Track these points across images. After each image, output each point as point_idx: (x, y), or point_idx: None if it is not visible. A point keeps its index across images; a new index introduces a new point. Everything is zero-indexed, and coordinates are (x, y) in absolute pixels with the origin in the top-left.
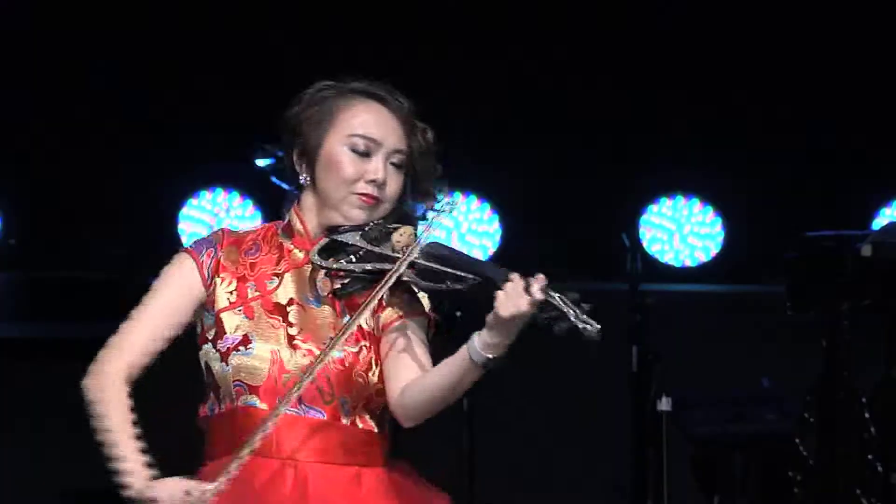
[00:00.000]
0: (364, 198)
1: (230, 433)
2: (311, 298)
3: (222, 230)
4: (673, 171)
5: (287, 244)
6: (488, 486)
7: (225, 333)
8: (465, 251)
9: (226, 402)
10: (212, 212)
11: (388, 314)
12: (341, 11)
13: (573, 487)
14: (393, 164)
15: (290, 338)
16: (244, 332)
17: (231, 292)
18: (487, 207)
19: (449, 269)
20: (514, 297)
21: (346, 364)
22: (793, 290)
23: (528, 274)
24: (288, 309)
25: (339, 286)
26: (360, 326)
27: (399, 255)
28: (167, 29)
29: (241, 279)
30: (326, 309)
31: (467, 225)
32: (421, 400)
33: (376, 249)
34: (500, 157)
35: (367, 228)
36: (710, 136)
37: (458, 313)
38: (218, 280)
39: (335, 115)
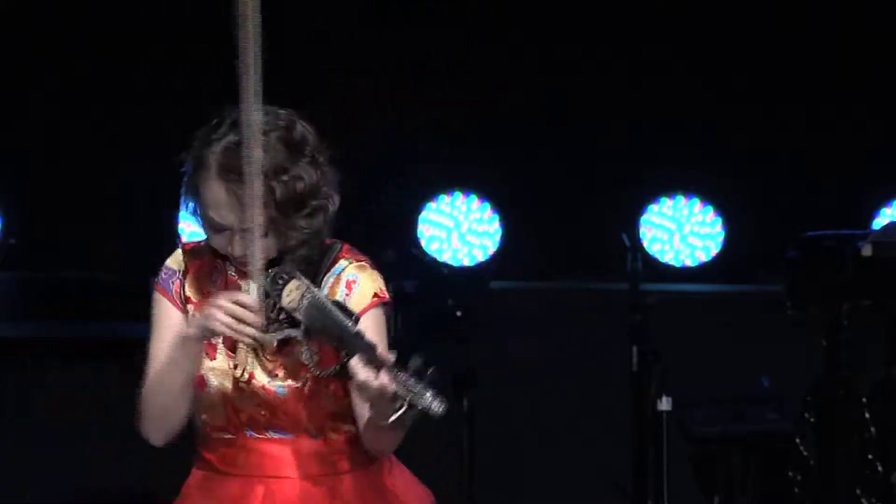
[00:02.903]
0: (241, 260)
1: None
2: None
3: (184, 249)
4: (673, 170)
5: (230, 272)
6: (488, 486)
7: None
8: (338, 315)
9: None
10: None
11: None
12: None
13: (574, 487)
14: (246, 230)
15: (236, 381)
16: (202, 373)
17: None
18: (487, 207)
19: (332, 333)
20: (368, 387)
21: (295, 398)
22: (793, 290)
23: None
24: (237, 346)
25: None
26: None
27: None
28: (174, 27)
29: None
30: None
31: (467, 225)
32: (367, 437)
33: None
34: (499, 156)
35: (276, 278)
36: (710, 135)
37: (458, 313)
38: (189, 309)
39: (195, 192)
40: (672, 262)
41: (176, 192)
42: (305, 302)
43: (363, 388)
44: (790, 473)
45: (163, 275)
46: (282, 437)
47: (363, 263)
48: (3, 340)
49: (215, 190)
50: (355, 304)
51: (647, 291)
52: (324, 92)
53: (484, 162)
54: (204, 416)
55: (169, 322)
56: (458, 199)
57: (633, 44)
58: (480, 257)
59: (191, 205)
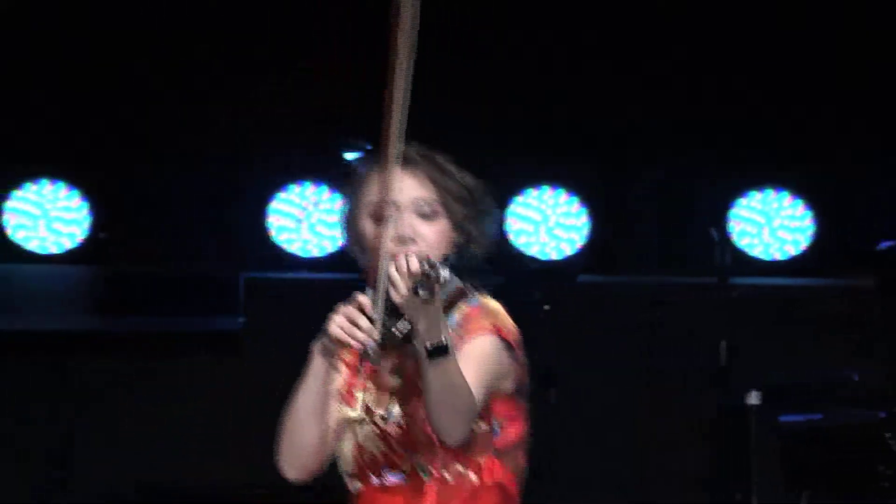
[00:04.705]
0: (398, 257)
1: None
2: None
3: None
4: (762, 163)
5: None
6: (572, 480)
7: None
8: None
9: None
10: (300, 205)
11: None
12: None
13: (662, 481)
14: (421, 214)
15: (364, 419)
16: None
17: (344, 383)
18: (575, 201)
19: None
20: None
21: (404, 425)
22: (884, 284)
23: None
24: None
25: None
26: (412, 387)
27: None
28: (252, 27)
29: (353, 368)
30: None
31: (555, 219)
32: (429, 412)
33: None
34: (588, 150)
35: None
36: (800, 128)
37: (546, 307)
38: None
39: (359, 190)
40: (761, 256)
41: (264, 187)
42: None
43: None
44: (879, 468)
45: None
46: (399, 481)
47: (498, 305)
48: (91, 334)
49: (372, 177)
50: (467, 329)
51: (736, 285)
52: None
53: (573, 156)
54: (340, 463)
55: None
56: (546, 192)
57: (721, 39)
58: (568, 251)
59: (345, 209)
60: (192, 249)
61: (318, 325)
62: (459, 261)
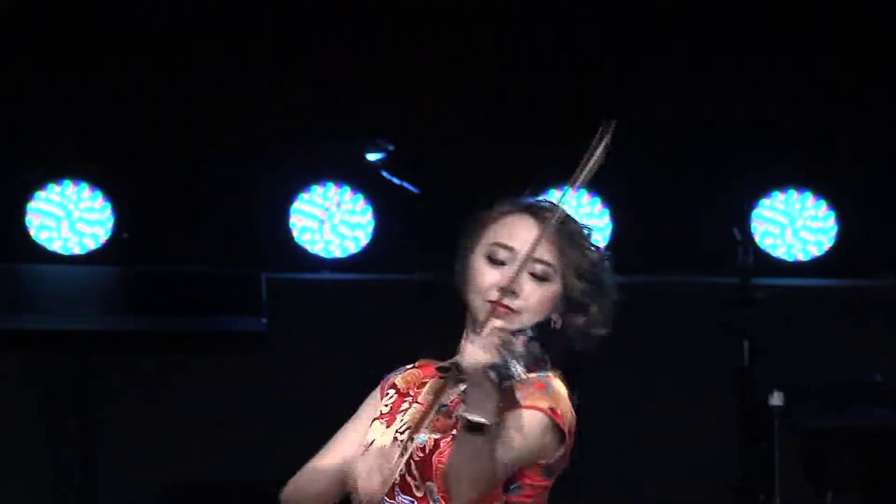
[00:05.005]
0: (494, 305)
1: None
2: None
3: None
4: (786, 164)
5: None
6: (590, 479)
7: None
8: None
9: None
10: (323, 206)
11: None
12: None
13: (683, 482)
14: (533, 274)
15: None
16: (371, 439)
17: (387, 405)
18: (598, 201)
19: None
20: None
21: (427, 450)
22: None
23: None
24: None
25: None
26: (451, 426)
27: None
28: (274, 27)
29: (402, 394)
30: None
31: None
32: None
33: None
34: (611, 150)
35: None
36: (823, 129)
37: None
38: (390, 393)
39: (483, 227)
40: (784, 257)
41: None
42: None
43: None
44: None
45: (394, 372)
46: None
47: (564, 388)
48: (115, 334)
49: (506, 222)
50: (530, 399)
51: (759, 285)
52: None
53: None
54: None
55: (365, 411)
56: (569, 193)
57: (745, 40)
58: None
59: (464, 253)
60: (214, 250)
61: (339, 325)
62: (554, 332)
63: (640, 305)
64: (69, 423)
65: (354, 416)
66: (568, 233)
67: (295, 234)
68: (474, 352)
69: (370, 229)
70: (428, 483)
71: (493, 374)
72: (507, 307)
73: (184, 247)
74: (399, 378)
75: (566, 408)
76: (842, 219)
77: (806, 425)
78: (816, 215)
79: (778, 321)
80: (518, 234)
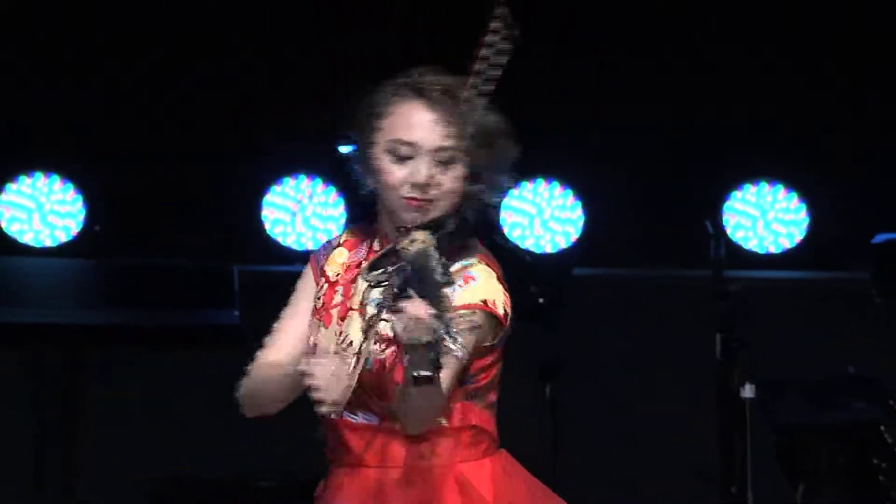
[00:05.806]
0: (411, 202)
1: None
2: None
3: (349, 228)
4: (757, 156)
5: (376, 245)
6: (571, 474)
7: (309, 341)
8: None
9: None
10: (295, 198)
11: None
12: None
13: (658, 475)
14: (441, 161)
15: (338, 347)
16: (314, 342)
17: (319, 298)
18: (570, 194)
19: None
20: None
21: (374, 370)
22: (879, 277)
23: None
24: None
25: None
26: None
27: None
28: (244, 21)
29: (333, 283)
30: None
31: (550, 212)
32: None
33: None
34: (583, 143)
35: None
36: (794, 121)
37: (541, 300)
38: (321, 282)
39: (377, 120)
40: (756, 249)
41: (259, 180)
42: (415, 248)
43: (402, 317)
44: (875, 461)
45: (321, 247)
46: (368, 421)
47: (491, 270)
48: (88, 328)
49: (402, 112)
50: (460, 298)
51: (731, 278)
52: None
53: (567, 148)
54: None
55: (304, 295)
56: (541, 185)
57: (719, 31)
58: (563, 244)
59: (356, 146)
60: (186, 243)
61: None
62: (470, 210)
63: (614, 299)
64: (48, 415)
65: (292, 301)
66: (462, 104)
67: (267, 226)
68: (409, 323)
69: (342, 221)
70: (382, 402)
71: (430, 354)
72: (422, 200)
73: (155, 240)
74: (328, 265)
75: (496, 291)
76: (813, 211)
77: (779, 418)
78: (788, 208)
79: (751, 314)
80: (416, 126)
